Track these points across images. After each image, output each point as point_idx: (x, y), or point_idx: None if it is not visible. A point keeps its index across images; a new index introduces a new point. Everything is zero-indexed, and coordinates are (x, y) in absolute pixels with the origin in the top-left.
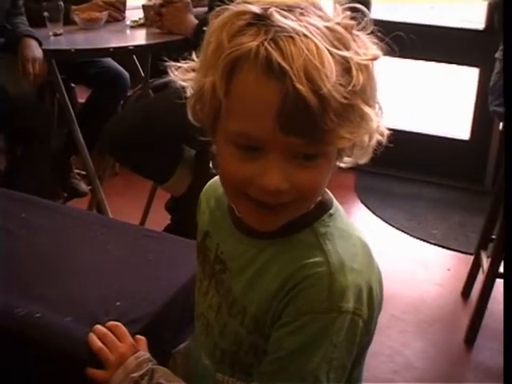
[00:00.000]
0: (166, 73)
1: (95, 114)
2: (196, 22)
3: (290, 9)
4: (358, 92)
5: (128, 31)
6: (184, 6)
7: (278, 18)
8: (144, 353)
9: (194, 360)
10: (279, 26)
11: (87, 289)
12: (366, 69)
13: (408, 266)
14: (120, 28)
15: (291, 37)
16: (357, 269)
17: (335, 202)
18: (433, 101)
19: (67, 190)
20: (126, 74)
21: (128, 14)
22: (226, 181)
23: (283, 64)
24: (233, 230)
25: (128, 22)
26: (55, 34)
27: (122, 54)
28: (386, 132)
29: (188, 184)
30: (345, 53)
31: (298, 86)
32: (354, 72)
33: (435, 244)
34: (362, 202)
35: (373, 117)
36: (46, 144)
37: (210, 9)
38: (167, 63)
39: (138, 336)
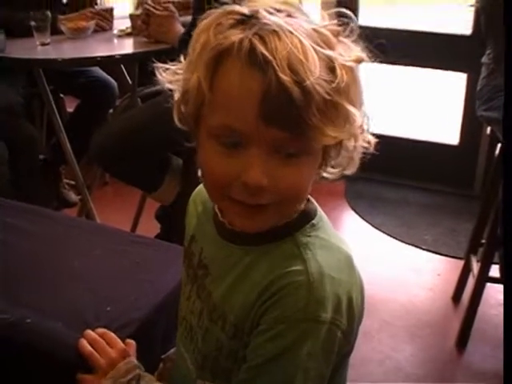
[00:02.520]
0: (153, 82)
1: (83, 124)
2: (182, 30)
3: (278, 10)
4: (342, 91)
5: (115, 40)
6: (170, 15)
7: (264, 15)
8: (133, 359)
9: (177, 365)
10: (265, 23)
11: (77, 294)
12: (350, 70)
13: (399, 272)
14: (107, 37)
15: (276, 32)
16: (337, 279)
17: (319, 212)
18: (422, 106)
19: (57, 199)
20: (114, 83)
21: (115, 23)
22: (208, 180)
23: (267, 55)
24: (215, 236)
25: (115, 32)
26: (42, 44)
27: (110, 63)
28: (373, 140)
29: (177, 193)
30: (329, 52)
31: (282, 76)
32: (338, 71)
33: (425, 249)
34: (352, 209)
35: (357, 118)
36: (33, 155)
37: (194, 20)
38: (155, 65)
39: (128, 340)
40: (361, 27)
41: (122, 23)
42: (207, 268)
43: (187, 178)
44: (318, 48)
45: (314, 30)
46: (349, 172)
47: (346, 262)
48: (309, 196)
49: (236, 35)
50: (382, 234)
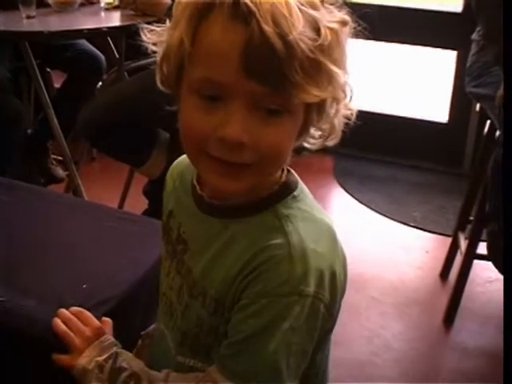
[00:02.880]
0: (141, 55)
1: (71, 98)
2: (169, 2)
3: None
4: (326, 51)
5: (102, 13)
6: None
7: None
8: (109, 337)
9: (157, 342)
10: None
11: (55, 272)
12: (334, 32)
13: (387, 249)
14: (94, 10)
15: None
16: (319, 252)
17: (300, 184)
18: (411, 84)
19: (44, 175)
20: (102, 56)
21: None
22: (186, 136)
23: (251, 6)
24: (194, 209)
25: (102, 5)
26: (28, 17)
27: (97, 36)
28: (355, 109)
29: (164, 166)
30: (314, 12)
31: (265, 27)
32: (323, 31)
33: (414, 227)
34: (341, 186)
35: (340, 80)
36: (19, 129)
37: None
38: (139, 25)
39: (104, 318)
40: (348, 3)
41: None
42: (186, 243)
43: (174, 151)
44: (303, 7)
45: None
46: (331, 143)
47: (329, 235)
48: (289, 168)
49: None
50: (370, 211)
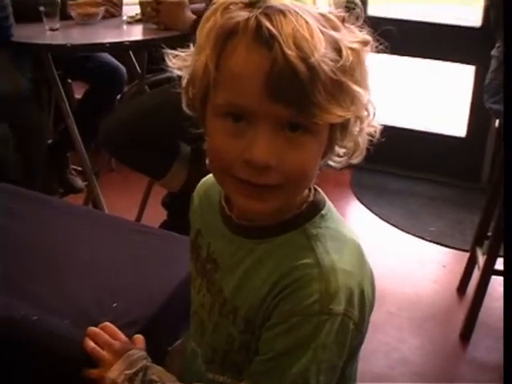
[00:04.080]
0: (162, 69)
1: (92, 109)
2: (193, 17)
3: None
4: (348, 71)
5: (124, 27)
6: (180, 2)
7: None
8: (138, 350)
9: (188, 357)
10: (272, 5)
11: (83, 289)
12: (355, 52)
13: (404, 263)
14: (117, 23)
15: (282, 11)
16: (348, 271)
17: (328, 202)
18: (429, 98)
19: (63, 185)
20: (123, 68)
21: (124, 9)
22: (213, 158)
23: (273, 30)
24: (223, 229)
25: (124, 18)
26: (51, 29)
27: (119, 50)
28: (379, 127)
29: (184, 180)
30: (335, 33)
31: (287, 51)
32: (344, 52)
33: (431, 241)
34: (358, 199)
35: (363, 99)
36: (41, 141)
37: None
38: (164, 51)
39: (137, 335)
40: (369, 17)
41: (130, 10)
42: (216, 262)
43: (195, 165)
44: (324, 29)
45: (320, 14)
46: (355, 160)
47: (357, 253)
48: (316, 186)
49: (243, 15)
50: (387, 224)
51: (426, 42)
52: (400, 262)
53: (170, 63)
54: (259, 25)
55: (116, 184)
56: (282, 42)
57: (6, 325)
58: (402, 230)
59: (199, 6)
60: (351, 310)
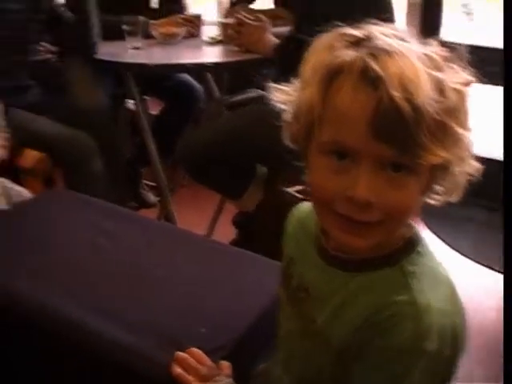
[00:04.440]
0: (241, 90)
1: (168, 127)
2: (275, 40)
3: (390, 34)
4: (452, 113)
5: (205, 47)
6: (262, 26)
7: (377, 37)
8: (224, 377)
9: (272, 383)
10: (378, 44)
11: (169, 311)
12: (459, 93)
13: (471, 293)
14: (197, 44)
15: (388, 52)
16: (442, 309)
17: (423, 238)
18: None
19: (136, 200)
20: (200, 88)
21: (203, 29)
22: (315, 193)
23: (379, 71)
24: (318, 260)
25: (204, 38)
26: (134, 48)
27: (199, 71)
28: (479, 167)
29: (258, 200)
30: (439, 74)
31: (393, 92)
32: (448, 93)
33: (497, 270)
34: (427, 226)
35: (466, 141)
36: (119, 156)
37: (298, 29)
38: (269, 85)
39: (223, 362)
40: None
41: (210, 30)
42: (308, 291)
43: (270, 187)
44: (428, 70)
45: (425, 54)
46: (453, 199)
47: (451, 291)
48: (411, 222)
49: (349, 55)
50: (454, 252)
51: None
52: (468, 291)
53: (273, 97)
54: (366, 65)
55: (186, 200)
56: (387, 82)
57: (96, 345)
58: (468, 257)
59: (282, 29)
60: (444, 348)
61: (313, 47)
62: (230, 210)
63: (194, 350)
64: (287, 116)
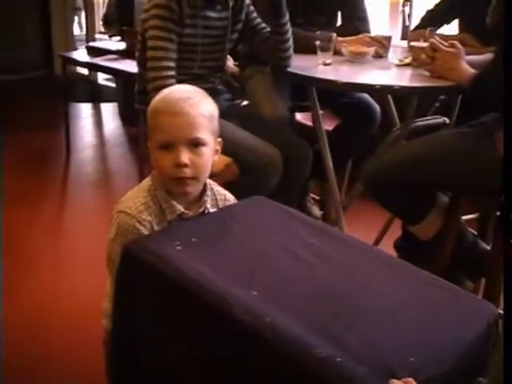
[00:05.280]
0: (422, 116)
1: (342, 144)
2: (470, 71)
3: None
4: None
5: (394, 69)
6: (457, 53)
7: None
8: None
9: None
10: None
11: (382, 336)
12: None
13: None
14: (385, 65)
15: None
16: None
17: None
18: None
19: (300, 211)
20: (377, 107)
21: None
22: None
23: None
24: None
25: (393, 60)
26: (324, 64)
27: (387, 93)
28: None
29: (438, 229)
30: None
31: None
32: None
33: None
34: None
35: None
36: (304, 168)
37: (497, 65)
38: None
39: None
40: None
41: (393, 51)
42: None
43: (451, 216)
44: None
45: None
46: None
47: None
48: None
49: None
50: None
51: None
52: None
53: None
54: None
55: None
56: None
57: (308, 361)
58: None
59: (475, 58)
60: None
61: None
62: (395, 232)
63: (410, 380)
64: None
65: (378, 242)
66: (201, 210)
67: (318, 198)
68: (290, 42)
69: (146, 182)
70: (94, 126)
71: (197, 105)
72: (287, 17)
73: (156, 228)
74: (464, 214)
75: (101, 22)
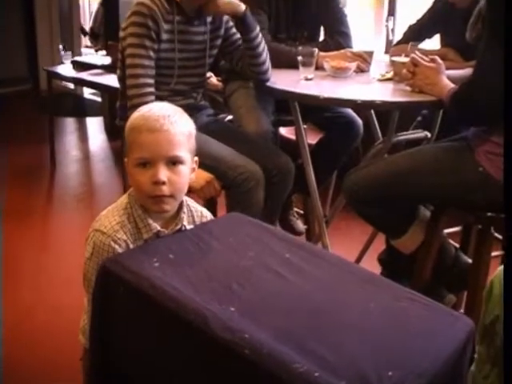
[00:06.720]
0: (403, 130)
1: (325, 158)
2: (450, 85)
3: None
4: None
5: (375, 84)
6: (438, 68)
7: None
8: None
9: None
10: None
11: (360, 351)
12: None
13: None
14: (367, 80)
15: None
16: None
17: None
18: None
19: (284, 226)
20: (360, 121)
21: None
22: None
23: None
24: None
25: (375, 75)
26: (306, 79)
27: (369, 108)
28: None
29: (419, 243)
30: None
31: None
32: None
33: None
34: None
35: None
36: (287, 184)
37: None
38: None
39: None
40: None
41: (377, 66)
42: None
43: (433, 229)
44: None
45: None
46: None
47: None
48: None
49: None
50: None
51: None
52: None
53: None
54: None
55: (334, 230)
56: None
57: (287, 376)
58: None
59: (456, 73)
60: None
61: None
62: (380, 244)
63: None
64: None
65: (361, 255)
66: (178, 227)
67: (301, 212)
68: (264, 56)
69: (123, 199)
70: (79, 141)
71: (176, 123)
72: (256, 30)
73: (132, 247)
74: (446, 228)
75: (87, 36)
